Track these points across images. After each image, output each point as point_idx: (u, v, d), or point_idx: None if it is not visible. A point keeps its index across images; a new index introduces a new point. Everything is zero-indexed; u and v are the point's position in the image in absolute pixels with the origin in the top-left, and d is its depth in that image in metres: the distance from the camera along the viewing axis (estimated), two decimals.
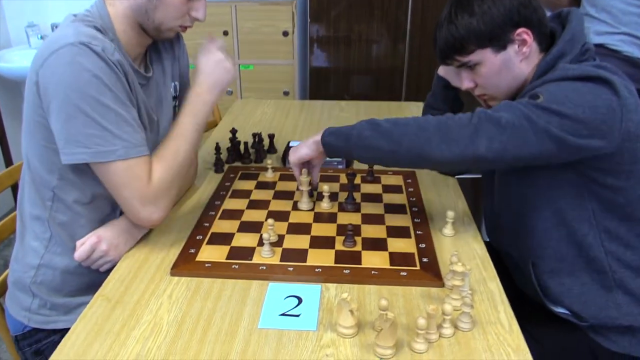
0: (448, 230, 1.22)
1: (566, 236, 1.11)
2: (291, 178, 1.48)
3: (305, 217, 1.29)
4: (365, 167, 1.55)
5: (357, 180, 1.48)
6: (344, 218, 1.29)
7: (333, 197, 1.37)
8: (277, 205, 1.35)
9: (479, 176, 1.42)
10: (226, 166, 1.61)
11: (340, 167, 1.57)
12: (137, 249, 1.18)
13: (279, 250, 1.15)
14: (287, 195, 1.38)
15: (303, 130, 1.93)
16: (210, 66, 1.18)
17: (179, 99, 1.34)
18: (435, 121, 1.07)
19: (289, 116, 2.06)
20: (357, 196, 1.38)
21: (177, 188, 1.14)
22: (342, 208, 1.33)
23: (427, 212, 1.32)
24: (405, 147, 1.06)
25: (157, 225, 1.16)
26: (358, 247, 1.16)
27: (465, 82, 1.18)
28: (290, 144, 1.62)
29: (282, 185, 1.42)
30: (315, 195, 1.33)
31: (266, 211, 1.32)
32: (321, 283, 1.06)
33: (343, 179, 1.49)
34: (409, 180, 1.49)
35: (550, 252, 1.13)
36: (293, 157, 1.23)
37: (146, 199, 1.09)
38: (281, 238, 1.20)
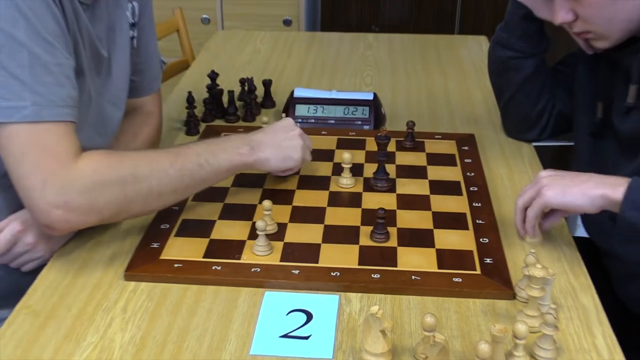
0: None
1: None
2: None
3: (317, 199, 1.29)
4: (401, 127, 1.55)
5: (392, 146, 1.48)
6: (373, 200, 1.29)
7: (356, 170, 1.37)
8: (277, 182, 1.35)
9: (567, 143, 1.42)
10: (202, 125, 1.61)
11: (366, 127, 1.57)
12: (76, 242, 1.18)
13: (278, 245, 1.16)
14: None
15: (313, 74, 1.93)
16: (282, 137, 1.26)
17: (139, 28, 1.33)
18: None
19: (293, 55, 2.06)
20: (391, 169, 1.38)
21: (115, 209, 1.07)
22: (369, 186, 1.33)
23: (491, 193, 1.32)
24: None
25: (67, 232, 1.11)
26: (392, 242, 1.17)
27: (560, 13, 1.16)
28: (296, 94, 1.62)
29: None
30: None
31: (260, 190, 1.33)
32: (340, 292, 1.07)
33: (371, 144, 1.48)
34: (466, 148, 1.49)
35: None
36: (534, 203, 1.11)
37: (56, 186, 1.01)
38: (282, 228, 1.20)
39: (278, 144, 1.25)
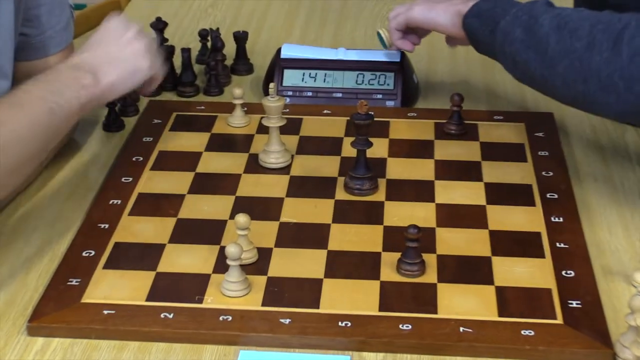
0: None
1: None
2: (288, 127, 1.49)
3: (317, 212, 1.31)
4: (442, 103, 1.56)
5: (428, 131, 1.49)
6: (400, 213, 1.30)
7: (376, 167, 1.38)
8: (257, 186, 1.37)
9: None
10: (144, 101, 1.63)
11: (390, 103, 1.58)
12: None
13: (260, 281, 1.17)
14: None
15: (309, 24, 1.93)
16: (117, 46, 1.35)
17: None
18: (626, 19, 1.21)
19: None
20: (424, 166, 1.41)
21: None
22: (391, 193, 1.35)
23: (579, 203, 1.33)
24: (561, 76, 1.22)
25: None
26: (430, 277, 1.17)
27: None
28: (284, 53, 1.63)
29: (265, 141, 1.44)
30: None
31: (232, 198, 1.34)
32: (352, 351, 1.07)
33: (398, 129, 1.49)
34: (540, 134, 1.50)
35: None
36: (399, 17, 1.58)
37: None
38: (265, 256, 1.21)
39: (117, 57, 1.33)
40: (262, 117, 1.41)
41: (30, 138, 1.18)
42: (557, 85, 1.27)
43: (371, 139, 1.34)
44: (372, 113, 1.32)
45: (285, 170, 1.40)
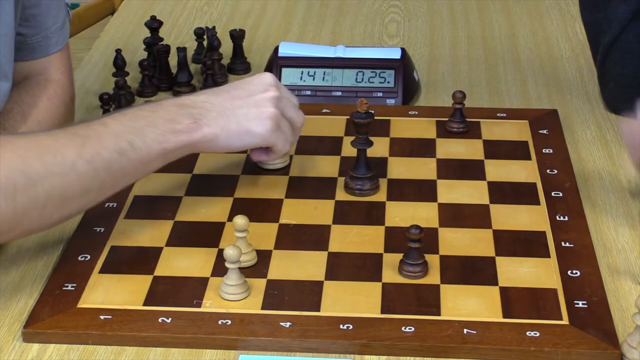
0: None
1: None
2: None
3: (317, 213, 1.30)
4: (444, 100, 1.55)
5: (430, 130, 1.49)
6: (402, 213, 1.30)
7: (377, 167, 1.37)
8: (255, 188, 1.37)
9: None
10: (140, 102, 1.62)
11: (390, 101, 1.58)
12: None
13: (259, 284, 1.17)
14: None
15: (307, 21, 1.93)
16: (244, 100, 1.25)
17: None
18: None
19: None
20: (426, 166, 1.40)
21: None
22: (393, 193, 1.34)
23: (584, 201, 1.32)
24: None
25: None
26: (433, 278, 1.17)
27: None
28: (282, 51, 1.63)
29: None
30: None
31: (230, 200, 1.34)
32: (354, 354, 1.07)
33: (399, 128, 1.49)
34: (544, 131, 1.49)
35: None
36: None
37: None
38: (264, 258, 1.21)
39: (234, 112, 1.24)
40: None
41: (86, 174, 1.13)
42: None
43: (372, 138, 1.33)
44: (373, 111, 1.31)
45: (284, 170, 1.40)
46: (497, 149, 1.45)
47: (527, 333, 1.07)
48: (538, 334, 1.07)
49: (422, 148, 1.46)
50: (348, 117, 1.46)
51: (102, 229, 1.27)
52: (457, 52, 1.79)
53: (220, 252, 1.19)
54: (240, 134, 1.24)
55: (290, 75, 1.60)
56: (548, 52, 1.78)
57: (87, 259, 1.21)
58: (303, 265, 1.20)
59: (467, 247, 1.23)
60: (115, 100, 1.57)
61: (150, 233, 1.27)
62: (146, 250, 1.23)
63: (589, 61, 1.57)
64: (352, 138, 1.35)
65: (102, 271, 1.19)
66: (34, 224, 1.12)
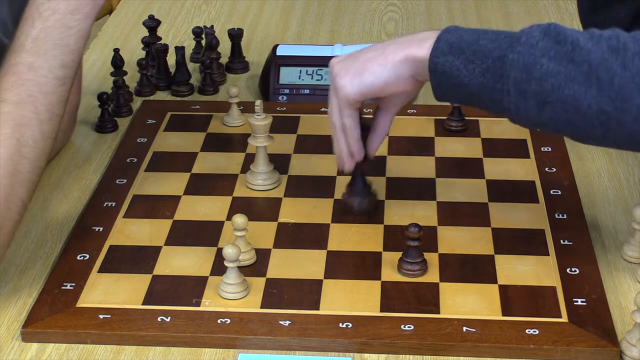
0: (637, 243, 1.23)
1: None
2: (286, 126, 1.50)
3: (316, 212, 1.31)
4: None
5: (429, 128, 1.50)
6: (401, 212, 1.30)
7: (376, 165, 1.38)
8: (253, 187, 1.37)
9: None
10: (138, 101, 1.63)
11: None
12: None
13: (258, 283, 1.17)
14: (274, 162, 1.40)
15: (305, 20, 1.93)
16: None
17: None
18: None
19: None
20: (426, 165, 1.41)
21: None
22: (391, 191, 1.34)
23: (583, 199, 1.33)
24: (637, 107, 1.03)
25: None
26: (432, 276, 1.18)
27: None
28: (280, 51, 1.63)
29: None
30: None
31: (229, 199, 1.34)
32: (353, 353, 1.08)
33: (397, 126, 1.49)
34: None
35: None
36: (336, 102, 1.20)
37: None
38: (263, 257, 1.22)
39: None
40: (248, 136, 1.37)
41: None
42: (625, 122, 1.05)
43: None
44: (369, 125, 1.27)
45: (283, 169, 1.40)
46: (496, 147, 1.46)
47: (527, 331, 1.08)
48: (537, 332, 1.08)
49: (420, 146, 1.47)
50: None
51: (101, 229, 1.27)
52: None
53: (220, 251, 1.20)
54: None
55: (289, 74, 1.60)
56: None
57: (86, 259, 1.22)
58: (302, 264, 1.20)
59: (466, 245, 1.23)
60: (114, 99, 1.57)
61: (149, 232, 1.27)
62: (145, 250, 1.23)
63: None
64: None
65: (101, 270, 1.20)
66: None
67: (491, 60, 1.08)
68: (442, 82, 1.12)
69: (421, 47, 1.12)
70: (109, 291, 1.16)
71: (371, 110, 1.36)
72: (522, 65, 1.06)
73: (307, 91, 1.60)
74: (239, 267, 1.15)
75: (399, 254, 1.19)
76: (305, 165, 1.42)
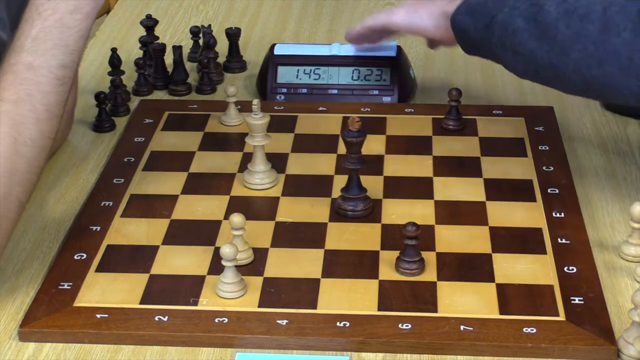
0: (635, 242, 1.23)
1: None
2: (283, 125, 1.50)
3: (313, 211, 1.31)
4: (440, 98, 1.56)
5: (427, 127, 1.50)
6: (398, 211, 1.31)
7: (374, 165, 1.38)
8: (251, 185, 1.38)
9: None
10: (135, 100, 1.63)
11: (386, 99, 1.59)
12: None
13: (256, 282, 1.17)
14: (271, 161, 1.40)
15: (303, 19, 1.93)
16: None
17: None
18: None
19: None
20: (425, 164, 1.41)
21: None
22: (386, 191, 1.34)
23: (580, 198, 1.33)
24: (574, 62, 1.19)
25: None
26: (429, 275, 1.18)
27: None
28: (277, 50, 1.63)
29: None
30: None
31: (226, 198, 1.34)
32: (351, 352, 1.08)
33: (395, 126, 1.50)
34: (541, 128, 1.50)
35: None
36: (379, 18, 1.53)
37: None
38: (261, 256, 1.22)
39: None
40: (245, 136, 1.38)
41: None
42: (567, 73, 1.24)
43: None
44: (365, 130, 1.28)
45: (280, 168, 1.40)
46: (493, 146, 1.46)
47: (524, 329, 1.08)
48: (535, 330, 1.08)
49: (418, 145, 1.47)
50: (344, 115, 1.47)
51: (98, 228, 1.27)
52: (453, 49, 1.78)
53: (217, 250, 1.19)
54: None
55: (286, 74, 1.60)
56: None
57: (83, 258, 1.22)
58: (299, 263, 1.20)
59: (464, 244, 1.23)
60: (111, 99, 1.57)
61: (146, 231, 1.27)
62: (142, 249, 1.24)
63: None
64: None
65: (98, 270, 1.20)
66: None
67: (488, 19, 1.32)
68: (461, 37, 1.39)
69: (452, 3, 1.40)
70: (107, 291, 1.16)
71: (370, 110, 1.37)
72: (502, 23, 1.30)
73: (304, 90, 1.60)
74: (237, 266, 1.15)
75: (396, 253, 1.19)
76: (302, 164, 1.42)
